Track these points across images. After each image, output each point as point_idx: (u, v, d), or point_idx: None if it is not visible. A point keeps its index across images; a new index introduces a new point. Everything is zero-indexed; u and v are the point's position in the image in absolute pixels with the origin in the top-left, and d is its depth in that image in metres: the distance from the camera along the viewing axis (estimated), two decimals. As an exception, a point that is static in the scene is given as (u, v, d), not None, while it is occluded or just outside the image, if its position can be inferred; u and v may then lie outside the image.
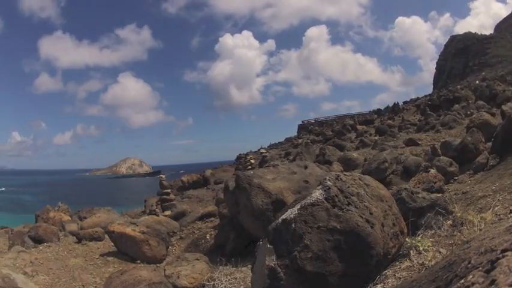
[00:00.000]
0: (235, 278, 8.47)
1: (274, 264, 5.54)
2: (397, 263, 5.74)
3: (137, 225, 16.53)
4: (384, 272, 5.47)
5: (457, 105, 50.11)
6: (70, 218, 29.92)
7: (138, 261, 15.08)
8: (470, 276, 2.55)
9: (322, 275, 5.24)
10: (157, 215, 21.87)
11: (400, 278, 5.23)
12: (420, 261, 5.53)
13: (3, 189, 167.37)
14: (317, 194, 5.76)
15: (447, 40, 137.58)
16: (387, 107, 76.65)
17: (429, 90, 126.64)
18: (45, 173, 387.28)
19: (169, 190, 28.16)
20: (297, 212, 5.71)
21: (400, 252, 5.98)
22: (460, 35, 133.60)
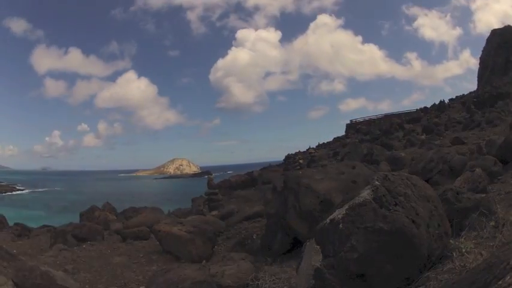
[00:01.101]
0: (280, 278, 8.50)
1: (320, 265, 5.60)
2: (440, 265, 5.72)
3: (184, 225, 16.75)
4: (426, 274, 5.46)
5: (500, 102, 49.11)
6: (115, 218, 30.54)
7: (183, 260, 15.23)
8: (508, 277, 2.56)
9: (366, 276, 5.30)
10: (205, 215, 22.12)
11: (442, 280, 5.21)
12: (462, 264, 5.50)
13: (47, 188, 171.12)
14: (365, 194, 5.80)
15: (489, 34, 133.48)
16: (433, 105, 75.57)
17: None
18: (90, 174, 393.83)
19: (217, 190, 28.45)
20: (344, 212, 5.75)
21: (443, 254, 5.94)
22: (500, 28, 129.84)
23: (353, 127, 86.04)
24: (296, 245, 11.71)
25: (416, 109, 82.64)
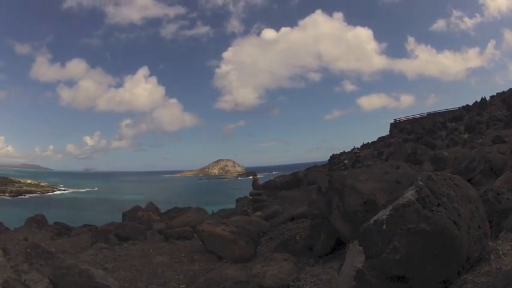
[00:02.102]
0: (321, 280, 8.58)
1: (362, 266, 5.70)
2: (478, 267, 5.70)
3: (227, 225, 17.00)
4: (464, 277, 5.44)
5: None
6: (159, 218, 31.05)
7: (225, 260, 15.42)
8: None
9: (406, 278, 5.36)
10: (249, 215, 22.26)
11: (478, 283, 5.20)
12: (498, 266, 5.49)
13: (88, 189, 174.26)
14: (409, 194, 5.82)
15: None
16: (475, 102, 74.39)
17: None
18: (133, 174, 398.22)
19: (261, 191, 28.64)
20: (388, 213, 5.79)
21: (481, 256, 5.92)
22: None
23: (397, 126, 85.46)
24: (339, 246, 11.78)
25: (459, 107, 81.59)
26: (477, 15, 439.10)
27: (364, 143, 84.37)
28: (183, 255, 17.12)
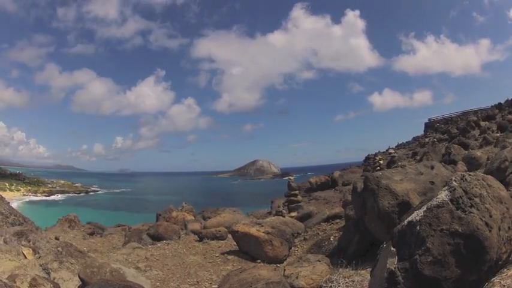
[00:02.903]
0: (353, 281, 8.62)
1: (395, 268, 5.66)
2: (505, 269, 5.67)
3: (262, 226, 17.05)
4: (492, 279, 5.42)
5: None
6: (193, 218, 31.26)
7: (259, 261, 15.53)
8: None
9: (437, 280, 5.36)
10: (284, 216, 22.23)
11: (505, 285, 5.18)
12: (524, 268, 5.45)
13: (123, 189, 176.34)
14: (443, 195, 5.86)
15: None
16: (506, 100, 73.18)
17: None
18: (168, 175, 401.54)
19: (297, 191, 28.51)
20: (422, 214, 5.83)
21: (510, 258, 5.91)
22: None
23: (431, 126, 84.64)
24: (373, 248, 11.75)
25: (491, 105, 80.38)
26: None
27: (399, 142, 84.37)
28: (217, 255, 17.25)
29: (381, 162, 36.68)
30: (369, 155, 65.85)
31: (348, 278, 8.85)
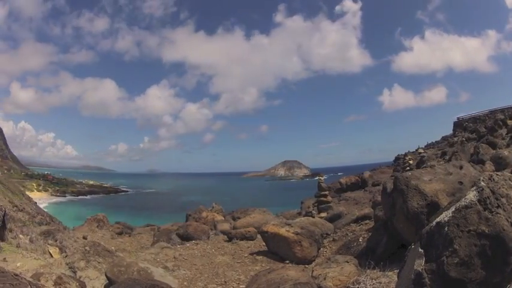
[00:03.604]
0: (380, 283, 8.64)
1: (422, 269, 5.66)
2: None
3: (292, 226, 17.14)
4: None
5: None
6: (223, 218, 31.46)
7: (287, 261, 15.57)
8: None
9: (463, 282, 5.36)
10: (313, 217, 22.28)
11: None
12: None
13: (152, 189, 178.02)
14: (471, 195, 5.86)
15: None
16: None
17: None
18: (196, 176, 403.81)
19: (326, 192, 28.51)
20: (451, 214, 5.82)
21: None
22: None
23: (460, 125, 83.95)
24: (401, 249, 11.74)
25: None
26: None
27: (428, 142, 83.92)
28: (245, 255, 17.36)
29: (411, 162, 36.54)
30: (398, 155, 65.75)
31: (375, 280, 8.86)
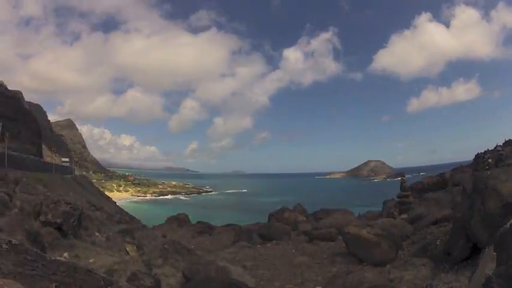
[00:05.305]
0: (452, 287, 8.60)
1: (492, 273, 5.55)
2: None
3: (373, 227, 17.20)
4: None
5: None
6: (305, 219, 31.69)
7: (365, 263, 15.59)
8: None
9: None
10: (395, 218, 22.25)
11: None
12: None
13: (236, 190, 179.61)
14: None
15: None
16: None
17: None
18: (278, 176, 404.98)
19: (408, 193, 28.38)
20: (527, 215, 5.65)
21: None
22: None
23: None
24: (477, 252, 11.60)
25: None
26: None
27: (506, 139, 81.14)
28: (325, 256, 17.55)
29: (490, 161, 35.67)
30: (478, 153, 64.17)
31: (447, 284, 8.87)
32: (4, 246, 5.53)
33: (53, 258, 6.18)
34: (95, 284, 6.10)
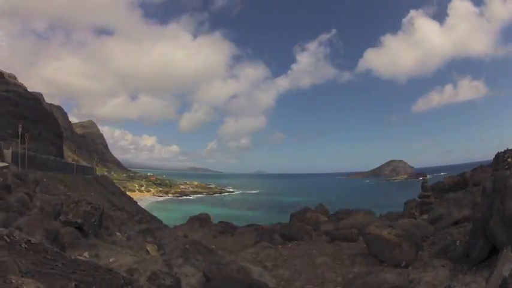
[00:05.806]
0: (470, 289, 8.62)
1: (508, 274, 5.65)
2: None
3: (394, 228, 17.20)
4: None
5: None
6: (327, 219, 31.75)
7: (386, 264, 15.59)
8: None
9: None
10: (415, 218, 22.21)
11: None
12: None
13: (259, 190, 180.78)
14: None
15: None
16: None
17: None
18: (305, 176, 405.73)
19: (429, 193, 28.32)
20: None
21: None
22: None
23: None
24: (496, 253, 11.57)
25: None
26: None
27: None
28: (345, 257, 17.59)
29: (509, 160, 35.44)
30: (499, 152, 63.63)
31: (465, 286, 8.91)
32: (23, 245, 5.68)
33: (72, 257, 6.31)
34: (115, 283, 6.24)
